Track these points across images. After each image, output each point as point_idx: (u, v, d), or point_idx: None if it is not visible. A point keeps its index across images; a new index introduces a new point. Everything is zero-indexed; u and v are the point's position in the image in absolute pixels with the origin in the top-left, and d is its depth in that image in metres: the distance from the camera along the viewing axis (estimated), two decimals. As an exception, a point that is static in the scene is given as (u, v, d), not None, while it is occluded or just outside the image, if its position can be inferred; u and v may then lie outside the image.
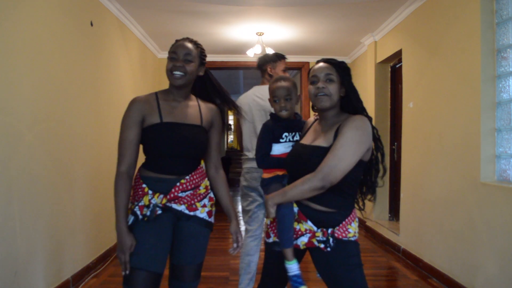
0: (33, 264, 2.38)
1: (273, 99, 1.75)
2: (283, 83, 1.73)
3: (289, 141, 1.73)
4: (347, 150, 1.41)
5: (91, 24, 3.20)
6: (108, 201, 3.26)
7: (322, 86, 1.51)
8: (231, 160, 9.30)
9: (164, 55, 5.49)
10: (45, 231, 2.51)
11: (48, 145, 2.56)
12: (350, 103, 1.56)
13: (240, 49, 5.30)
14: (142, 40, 4.69)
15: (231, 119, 16.80)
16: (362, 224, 5.05)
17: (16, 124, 2.23)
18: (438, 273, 3.08)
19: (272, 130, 1.73)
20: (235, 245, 1.74)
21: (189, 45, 1.63)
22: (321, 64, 1.56)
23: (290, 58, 5.75)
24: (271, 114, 1.79)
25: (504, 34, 2.56)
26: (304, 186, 1.43)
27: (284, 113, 1.72)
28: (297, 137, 1.75)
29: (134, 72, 4.39)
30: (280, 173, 1.71)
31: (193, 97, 1.72)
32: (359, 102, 1.56)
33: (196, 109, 1.67)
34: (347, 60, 5.75)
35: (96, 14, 3.31)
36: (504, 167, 2.57)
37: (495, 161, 2.62)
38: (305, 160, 1.50)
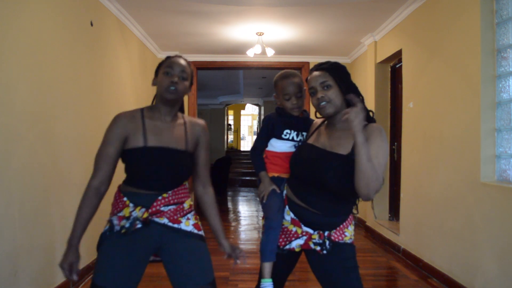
0: (33, 264, 2.38)
1: (283, 97, 1.66)
2: (294, 80, 1.65)
3: (292, 139, 1.67)
4: (385, 161, 1.43)
5: (91, 24, 3.20)
6: (108, 201, 3.25)
7: (321, 96, 1.50)
8: (231, 160, 9.29)
9: (165, 55, 5.48)
10: (45, 231, 2.51)
11: (48, 145, 2.56)
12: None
13: (240, 49, 5.30)
14: (142, 40, 4.69)
15: (231, 119, 16.82)
16: (362, 224, 5.05)
17: (16, 124, 2.23)
18: (438, 273, 3.08)
19: (273, 124, 1.68)
20: (238, 261, 1.67)
21: (184, 62, 1.58)
22: (314, 73, 1.54)
23: (290, 58, 5.82)
24: (277, 108, 1.72)
25: (504, 34, 2.56)
26: (373, 171, 1.35)
27: (296, 111, 1.66)
28: (301, 137, 1.68)
29: (134, 72, 4.39)
30: (276, 174, 1.67)
31: (179, 114, 1.66)
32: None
33: (182, 130, 1.60)
34: (347, 60, 5.75)
35: (96, 14, 3.31)
36: (504, 167, 2.57)
37: (495, 161, 2.62)
38: (322, 166, 1.46)
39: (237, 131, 17.22)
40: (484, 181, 2.60)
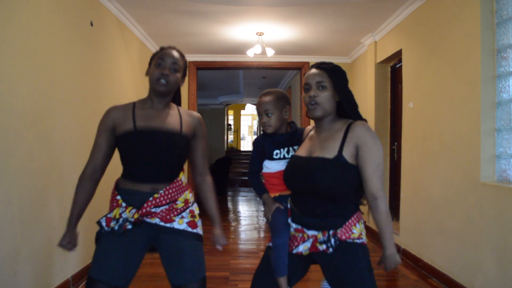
0: (33, 264, 2.38)
1: (257, 115, 1.72)
2: (263, 99, 1.68)
3: (284, 157, 1.67)
4: (382, 164, 1.45)
5: (91, 24, 3.20)
6: (107, 200, 3.25)
7: (313, 95, 1.48)
8: (231, 160, 9.29)
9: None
10: (45, 231, 2.51)
11: (47, 145, 2.56)
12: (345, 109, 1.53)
13: (240, 49, 5.30)
14: (142, 40, 4.69)
15: (231, 119, 16.82)
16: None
17: (15, 124, 2.23)
18: (438, 273, 3.08)
19: (262, 146, 1.69)
20: (218, 247, 1.66)
21: (176, 54, 1.59)
22: (313, 70, 1.53)
23: (290, 58, 5.82)
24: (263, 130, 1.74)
25: (504, 34, 2.56)
26: (388, 217, 1.45)
27: (267, 129, 1.67)
28: (292, 153, 1.67)
29: (134, 72, 4.39)
30: (277, 194, 1.67)
31: (173, 105, 1.66)
32: (353, 107, 1.52)
33: (176, 117, 1.61)
34: (347, 60, 5.75)
35: (96, 14, 3.31)
36: (504, 167, 2.57)
37: (495, 161, 2.62)
38: (310, 173, 1.45)
39: (237, 131, 17.22)
40: (484, 181, 2.59)
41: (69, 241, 1.55)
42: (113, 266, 1.47)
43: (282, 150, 1.67)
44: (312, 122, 1.67)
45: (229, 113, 16.13)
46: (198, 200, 1.70)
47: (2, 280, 2.10)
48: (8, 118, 2.17)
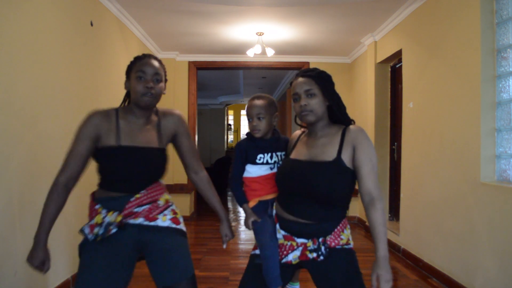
0: (33, 264, 2.38)
1: (247, 118, 1.71)
2: (255, 102, 1.68)
3: (266, 162, 1.67)
4: (377, 166, 1.46)
5: (91, 24, 3.21)
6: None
7: (304, 104, 1.50)
8: (231, 160, 9.29)
9: (165, 55, 5.49)
10: (45, 231, 2.51)
11: (48, 145, 2.56)
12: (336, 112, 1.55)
13: (240, 49, 5.30)
14: (142, 40, 4.69)
15: (231, 119, 16.82)
16: (362, 224, 5.05)
17: (15, 124, 2.23)
18: (438, 273, 3.08)
19: (245, 150, 1.69)
20: (224, 246, 1.73)
21: (157, 63, 1.53)
22: (300, 79, 1.53)
23: (290, 58, 5.83)
24: (247, 134, 1.74)
25: (504, 34, 2.56)
26: (383, 217, 1.42)
27: (256, 133, 1.67)
28: (275, 158, 1.68)
29: (134, 72, 4.39)
30: (257, 199, 1.66)
31: (153, 111, 1.62)
32: (342, 110, 1.54)
33: (155, 129, 1.58)
34: (347, 60, 5.75)
35: (96, 14, 3.31)
36: (504, 167, 2.57)
37: (495, 161, 2.62)
38: (311, 176, 1.46)
39: (237, 131, 17.22)
40: (484, 181, 2.60)
41: (42, 262, 1.42)
42: (99, 278, 1.41)
43: (265, 154, 1.67)
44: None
45: (229, 113, 16.14)
46: (199, 197, 1.70)
47: (2, 280, 2.10)
48: (7, 118, 2.17)
